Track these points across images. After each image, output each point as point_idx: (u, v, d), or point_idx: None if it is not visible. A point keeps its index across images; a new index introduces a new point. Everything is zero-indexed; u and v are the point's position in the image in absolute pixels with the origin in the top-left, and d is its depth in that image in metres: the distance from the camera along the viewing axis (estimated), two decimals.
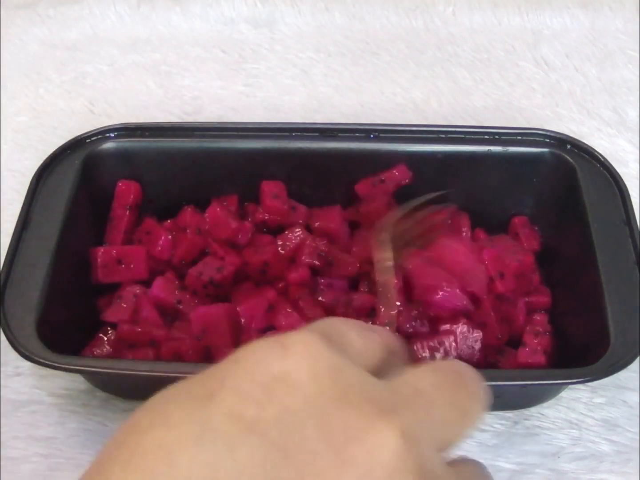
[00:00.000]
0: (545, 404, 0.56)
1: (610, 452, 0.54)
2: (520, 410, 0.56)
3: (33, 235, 0.54)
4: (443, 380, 0.26)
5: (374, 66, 0.83)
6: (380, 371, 0.26)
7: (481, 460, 0.53)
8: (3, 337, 0.49)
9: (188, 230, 0.60)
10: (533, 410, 0.56)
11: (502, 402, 0.56)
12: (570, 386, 0.55)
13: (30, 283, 0.52)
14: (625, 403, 0.56)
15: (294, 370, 0.23)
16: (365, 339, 0.27)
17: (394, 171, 0.60)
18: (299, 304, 0.56)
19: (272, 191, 0.61)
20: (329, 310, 0.56)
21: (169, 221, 0.62)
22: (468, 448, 0.54)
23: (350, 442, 0.21)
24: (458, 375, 0.27)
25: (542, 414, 0.56)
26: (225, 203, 0.62)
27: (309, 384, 0.22)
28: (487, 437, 0.55)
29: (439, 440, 0.24)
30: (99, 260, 0.58)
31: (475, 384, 0.27)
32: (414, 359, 0.32)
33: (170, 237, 0.60)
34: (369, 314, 0.56)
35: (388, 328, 0.33)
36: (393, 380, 0.25)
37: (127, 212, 0.61)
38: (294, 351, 0.23)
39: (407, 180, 0.61)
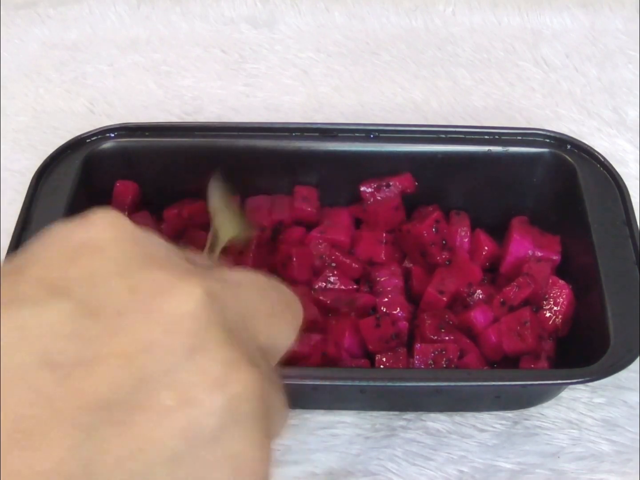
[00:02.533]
0: (545, 404, 0.56)
1: (610, 452, 0.54)
2: (520, 410, 0.56)
3: (33, 235, 0.54)
4: (256, 280, 0.26)
5: (374, 66, 0.83)
6: None
7: (481, 461, 0.53)
8: None
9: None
10: (533, 410, 0.56)
11: (502, 402, 0.56)
12: (570, 386, 0.55)
13: None
14: (625, 403, 0.56)
15: (97, 237, 0.23)
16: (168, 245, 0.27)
17: (401, 179, 0.60)
18: None
19: (303, 194, 0.62)
20: (331, 310, 0.57)
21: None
22: (468, 448, 0.54)
23: (156, 297, 0.22)
24: (273, 283, 0.27)
25: (542, 414, 0.56)
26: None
27: (113, 248, 0.23)
28: (487, 437, 0.55)
29: (246, 320, 0.24)
30: None
31: (290, 297, 0.27)
32: None
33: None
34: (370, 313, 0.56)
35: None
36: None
37: (126, 212, 0.61)
38: (99, 223, 0.24)
39: (411, 189, 0.61)
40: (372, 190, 0.61)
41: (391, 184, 0.61)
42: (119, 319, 0.21)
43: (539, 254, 0.58)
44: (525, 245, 0.58)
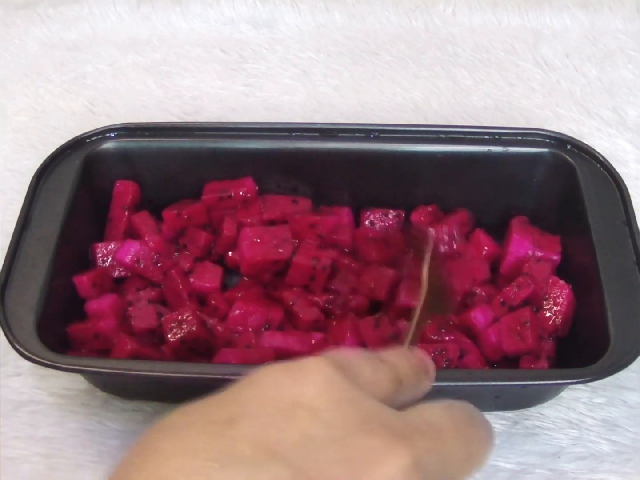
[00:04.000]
0: (545, 404, 0.56)
1: (610, 452, 0.54)
2: (520, 410, 0.56)
3: (33, 235, 0.54)
4: (455, 419, 0.27)
5: (374, 66, 0.83)
6: (390, 401, 0.27)
7: None
8: (3, 337, 0.49)
9: None
10: (533, 410, 0.56)
11: (502, 402, 0.56)
12: (570, 386, 0.55)
13: (30, 283, 0.52)
14: (625, 403, 0.56)
15: (312, 397, 0.23)
16: (375, 371, 0.27)
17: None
18: (294, 309, 0.56)
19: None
20: (325, 311, 0.56)
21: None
22: None
23: (370, 467, 0.22)
24: (470, 417, 0.28)
25: (542, 414, 0.56)
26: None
27: (328, 411, 0.23)
28: None
29: (445, 474, 0.25)
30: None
31: (484, 428, 0.28)
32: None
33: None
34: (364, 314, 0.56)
35: (406, 351, 0.33)
36: (407, 411, 0.26)
37: (126, 212, 0.61)
38: (311, 378, 0.24)
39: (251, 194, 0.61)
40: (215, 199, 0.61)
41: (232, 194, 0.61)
42: None
43: (539, 254, 0.58)
44: (525, 245, 0.58)
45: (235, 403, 0.23)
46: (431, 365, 0.33)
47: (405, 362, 0.30)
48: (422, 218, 0.62)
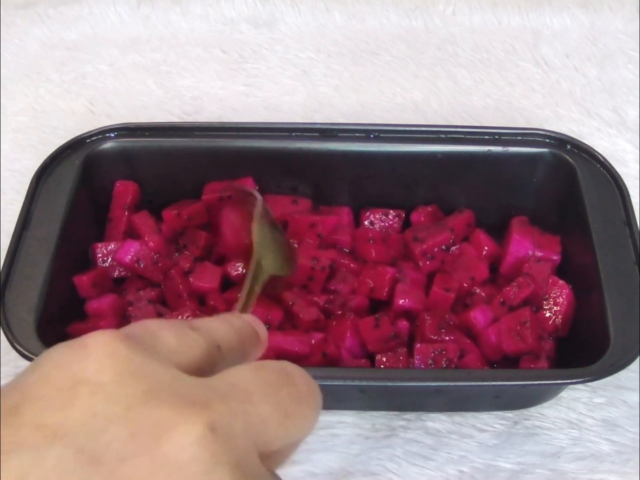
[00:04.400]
0: (545, 404, 0.56)
1: (610, 452, 0.54)
2: (520, 410, 0.56)
3: (33, 235, 0.54)
4: (265, 379, 0.25)
5: (374, 66, 0.83)
6: (205, 369, 0.26)
7: (481, 461, 0.53)
8: (3, 337, 0.49)
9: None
10: (533, 410, 0.56)
11: (502, 402, 0.56)
12: (570, 386, 0.55)
13: (30, 283, 0.52)
14: (625, 403, 0.56)
15: (95, 372, 0.22)
16: (180, 338, 0.26)
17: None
18: (293, 309, 0.55)
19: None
20: (325, 311, 0.56)
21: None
22: (468, 448, 0.54)
23: (159, 440, 0.21)
24: (285, 376, 0.26)
25: (542, 414, 0.56)
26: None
27: (112, 385, 0.22)
28: (487, 437, 0.55)
29: (256, 438, 0.23)
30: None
31: (305, 387, 0.26)
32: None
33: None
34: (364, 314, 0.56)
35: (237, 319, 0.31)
36: (212, 377, 0.24)
37: (126, 212, 0.61)
38: (93, 353, 0.23)
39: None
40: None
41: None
42: (121, 466, 0.20)
43: (539, 254, 0.58)
44: (525, 245, 0.58)
45: (18, 389, 0.22)
46: (262, 330, 0.31)
47: (226, 327, 0.29)
48: (422, 218, 0.62)
